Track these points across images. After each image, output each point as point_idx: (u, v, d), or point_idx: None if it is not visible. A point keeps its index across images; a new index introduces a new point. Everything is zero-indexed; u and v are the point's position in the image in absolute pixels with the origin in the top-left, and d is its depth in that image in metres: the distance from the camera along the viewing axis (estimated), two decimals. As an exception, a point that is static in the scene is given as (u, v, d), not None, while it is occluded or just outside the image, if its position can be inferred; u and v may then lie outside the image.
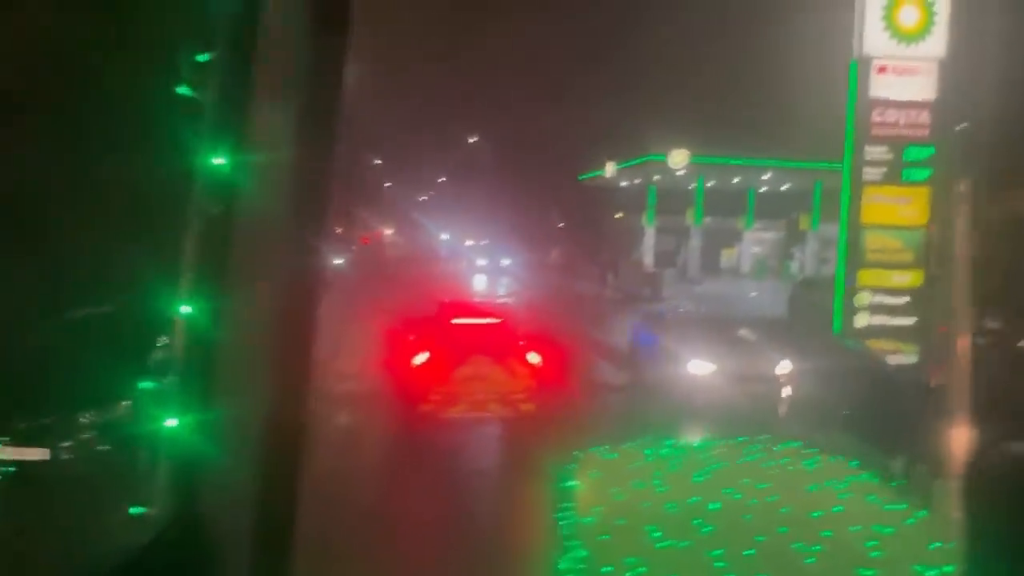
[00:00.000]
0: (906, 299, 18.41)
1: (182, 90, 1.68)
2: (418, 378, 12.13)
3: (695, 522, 4.17)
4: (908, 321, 18.33)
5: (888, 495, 4.71)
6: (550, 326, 22.23)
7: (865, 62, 18.46)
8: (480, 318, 13.21)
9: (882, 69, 18.39)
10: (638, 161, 43.49)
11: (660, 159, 40.67)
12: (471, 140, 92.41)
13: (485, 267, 50.21)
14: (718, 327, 16.25)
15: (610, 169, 47.84)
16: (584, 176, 55.28)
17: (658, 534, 4.01)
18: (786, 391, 12.84)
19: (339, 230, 67.07)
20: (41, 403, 2.27)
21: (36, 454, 2.13)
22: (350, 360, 18.48)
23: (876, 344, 17.46)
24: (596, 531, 4.20)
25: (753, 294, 35.36)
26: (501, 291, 39.39)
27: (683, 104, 47.01)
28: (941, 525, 5.31)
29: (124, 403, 2.09)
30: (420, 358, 12.27)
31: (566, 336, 21.84)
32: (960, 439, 5.99)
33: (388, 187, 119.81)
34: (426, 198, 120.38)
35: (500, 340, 12.59)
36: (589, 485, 4.80)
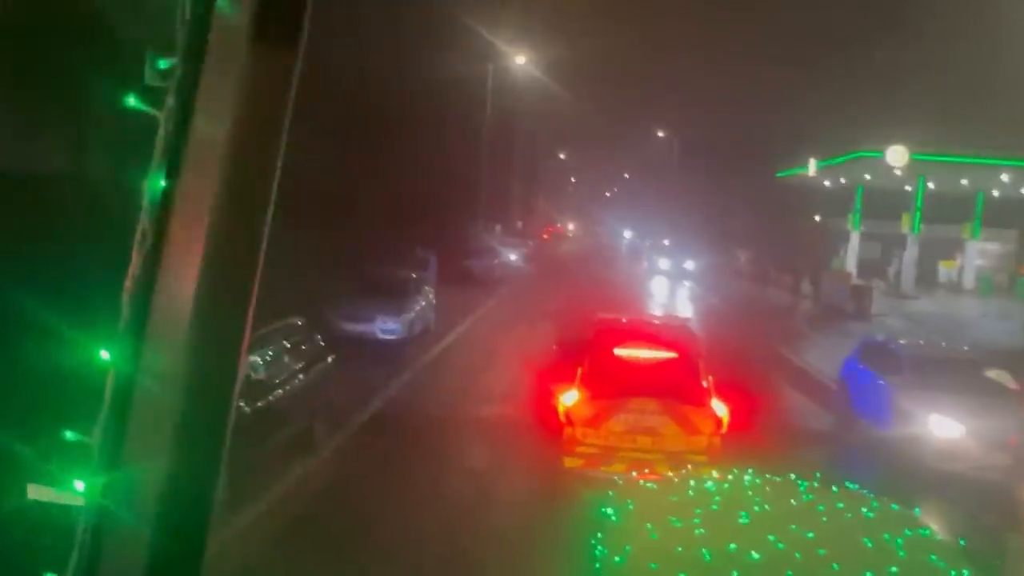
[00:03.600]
0: None
1: (135, 99, 1.51)
2: (565, 422, 9.55)
3: (733, 574, 3.59)
4: None
5: (950, 554, 3.96)
6: (736, 347, 19.23)
7: None
8: (651, 348, 10.13)
9: None
10: (846, 158, 38.68)
11: (874, 156, 35.86)
12: (660, 135, 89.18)
13: (666, 269, 46.96)
14: (961, 366, 12.52)
15: (812, 167, 43.17)
16: (782, 173, 50.63)
17: None
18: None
19: (520, 224, 66.97)
20: None
21: None
22: (501, 374, 16.52)
23: None
24: (624, 574, 3.80)
25: (985, 316, 30.18)
26: (680, 304, 36.20)
27: (900, 97, 42.04)
28: None
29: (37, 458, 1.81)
30: (569, 398, 9.68)
31: (755, 360, 18.77)
32: None
33: (573, 182, 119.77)
34: (610, 194, 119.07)
35: (675, 379, 9.54)
36: (624, 518, 4.42)
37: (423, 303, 20.54)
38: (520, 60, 44.12)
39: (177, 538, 1.54)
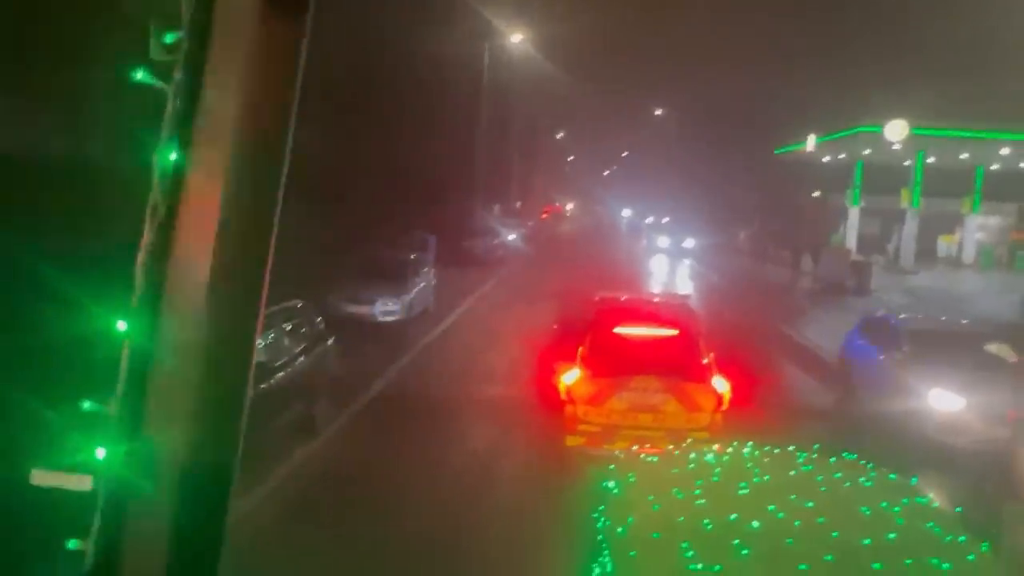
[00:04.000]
0: None
1: (144, 75, 1.51)
2: (567, 401, 9.51)
3: (734, 543, 3.66)
4: None
5: (948, 522, 4.03)
6: (736, 324, 19.21)
7: None
8: (651, 326, 10.05)
9: None
10: (845, 133, 38.48)
11: (873, 131, 35.69)
12: (657, 113, 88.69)
13: (666, 248, 46.89)
14: (961, 340, 12.47)
15: (811, 142, 42.96)
16: (781, 150, 50.40)
17: (691, 554, 3.61)
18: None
19: (519, 204, 66.78)
20: None
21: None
22: (502, 354, 16.51)
23: None
24: (626, 544, 3.84)
25: (984, 291, 30.16)
26: (680, 282, 36.23)
27: (899, 71, 41.78)
28: (1008, 562, 4.77)
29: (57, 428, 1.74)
30: (570, 377, 9.64)
31: (755, 337, 18.77)
32: None
33: (571, 160, 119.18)
34: (609, 173, 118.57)
35: (676, 357, 9.50)
36: (626, 490, 4.47)
37: (423, 284, 20.50)
38: (517, 38, 43.78)
39: (199, 507, 1.54)
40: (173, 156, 1.48)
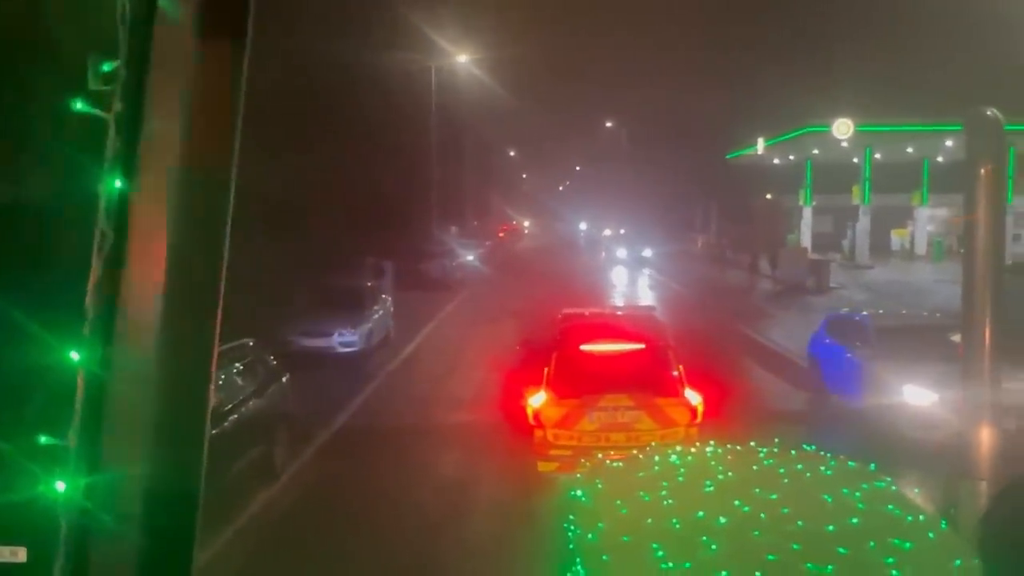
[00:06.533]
0: None
1: (82, 105, 1.52)
2: (536, 425, 9.12)
3: (702, 539, 3.68)
4: None
5: (907, 503, 4.17)
6: (701, 331, 19.03)
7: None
8: (618, 341, 9.69)
9: None
10: (794, 134, 38.91)
11: (820, 130, 36.12)
12: (608, 125, 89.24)
13: (625, 258, 46.86)
14: (926, 333, 12.34)
15: (761, 145, 43.38)
16: (732, 155, 50.84)
17: (661, 554, 3.62)
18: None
19: (475, 223, 66.48)
20: None
21: None
22: (467, 378, 16.12)
23: None
24: (598, 550, 3.82)
25: (939, 281, 30.47)
26: (642, 292, 36.13)
27: (840, 70, 42.50)
28: (964, 538, 4.79)
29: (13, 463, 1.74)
30: (537, 400, 9.26)
31: (721, 343, 18.59)
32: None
33: (526, 178, 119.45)
34: (564, 188, 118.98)
35: (645, 372, 9.16)
36: (593, 497, 4.49)
37: (381, 312, 20.03)
38: (462, 58, 43.65)
39: (165, 539, 1.53)
40: (118, 184, 1.48)
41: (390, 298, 21.55)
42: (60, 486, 1.48)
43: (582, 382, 9.14)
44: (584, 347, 9.68)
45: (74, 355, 1.49)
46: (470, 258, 40.96)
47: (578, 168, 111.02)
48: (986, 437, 6.00)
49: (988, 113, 6.07)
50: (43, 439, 1.50)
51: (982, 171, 5.90)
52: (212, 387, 1.57)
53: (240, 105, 1.56)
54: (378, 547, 8.23)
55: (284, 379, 11.41)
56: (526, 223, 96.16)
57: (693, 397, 9.00)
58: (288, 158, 23.03)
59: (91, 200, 1.49)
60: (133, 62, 1.48)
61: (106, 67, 1.50)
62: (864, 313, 13.83)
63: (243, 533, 8.63)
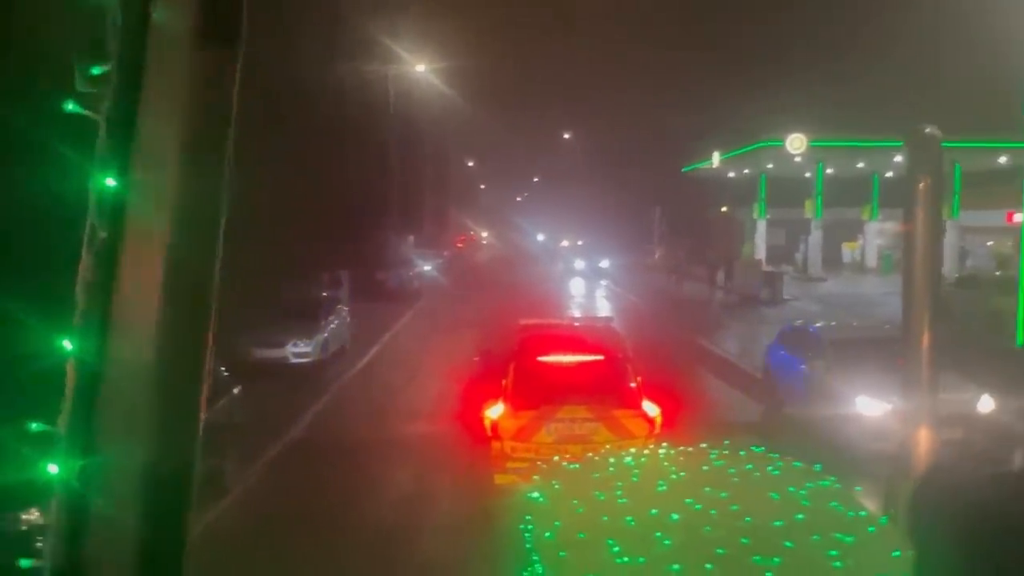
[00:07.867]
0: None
1: (72, 106, 1.53)
2: (493, 437, 9.03)
3: (656, 535, 3.85)
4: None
5: (849, 500, 4.41)
6: (659, 342, 19.09)
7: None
8: (575, 353, 9.67)
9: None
10: (748, 149, 39.50)
11: (774, 144, 36.72)
12: (566, 136, 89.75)
13: (583, 270, 47.00)
14: (878, 344, 12.52)
15: (716, 159, 43.93)
16: (688, 168, 51.41)
17: (617, 549, 3.75)
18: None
19: (433, 234, 66.23)
20: None
21: None
22: (425, 389, 15.95)
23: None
24: (555, 547, 3.97)
25: (888, 293, 31.07)
26: (599, 303, 36.25)
27: (793, 87, 43.29)
28: (903, 532, 4.69)
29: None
30: (495, 411, 9.16)
31: (678, 354, 18.67)
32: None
33: (483, 189, 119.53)
34: (522, 199, 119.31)
35: (603, 383, 9.14)
36: (550, 497, 4.62)
37: (337, 322, 19.77)
38: (420, 68, 43.55)
39: (158, 524, 1.55)
40: (109, 182, 1.50)
41: (347, 308, 21.29)
42: (52, 468, 1.51)
43: (540, 393, 9.08)
44: (542, 358, 9.62)
45: (67, 344, 1.52)
46: (428, 268, 40.75)
47: (536, 180, 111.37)
48: (923, 440, 6.12)
49: (927, 130, 6.24)
50: (34, 426, 1.53)
51: (921, 185, 6.04)
52: (207, 371, 1.58)
53: (233, 103, 1.58)
54: (329, 563, 8.05)
55: (235, 390, 11.16)
56: (484, 234, 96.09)
57: (651, 409, 8.99)
58: (242, 167, 22.63)
59: (82, 197, 1.51)
60: (124, 64, 1.50)
61: (95, 70, 1.52)
62: (817, 325, 13.98)
63: (189, 550, 8.37)
